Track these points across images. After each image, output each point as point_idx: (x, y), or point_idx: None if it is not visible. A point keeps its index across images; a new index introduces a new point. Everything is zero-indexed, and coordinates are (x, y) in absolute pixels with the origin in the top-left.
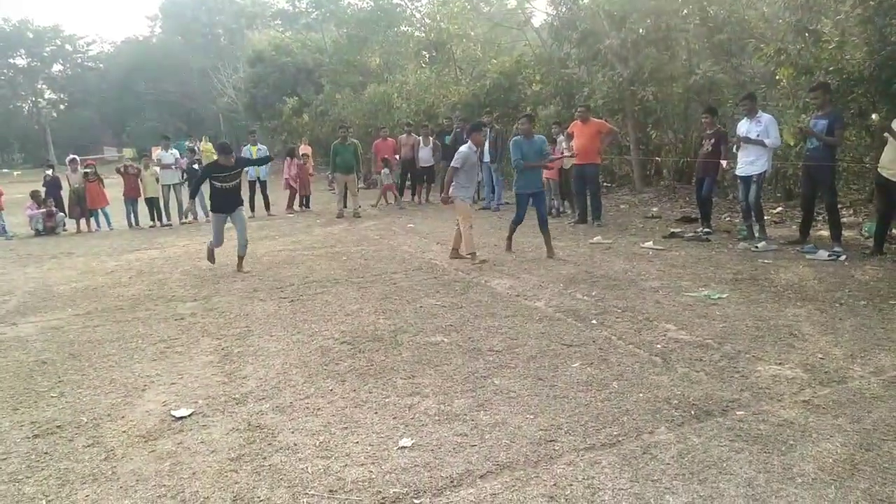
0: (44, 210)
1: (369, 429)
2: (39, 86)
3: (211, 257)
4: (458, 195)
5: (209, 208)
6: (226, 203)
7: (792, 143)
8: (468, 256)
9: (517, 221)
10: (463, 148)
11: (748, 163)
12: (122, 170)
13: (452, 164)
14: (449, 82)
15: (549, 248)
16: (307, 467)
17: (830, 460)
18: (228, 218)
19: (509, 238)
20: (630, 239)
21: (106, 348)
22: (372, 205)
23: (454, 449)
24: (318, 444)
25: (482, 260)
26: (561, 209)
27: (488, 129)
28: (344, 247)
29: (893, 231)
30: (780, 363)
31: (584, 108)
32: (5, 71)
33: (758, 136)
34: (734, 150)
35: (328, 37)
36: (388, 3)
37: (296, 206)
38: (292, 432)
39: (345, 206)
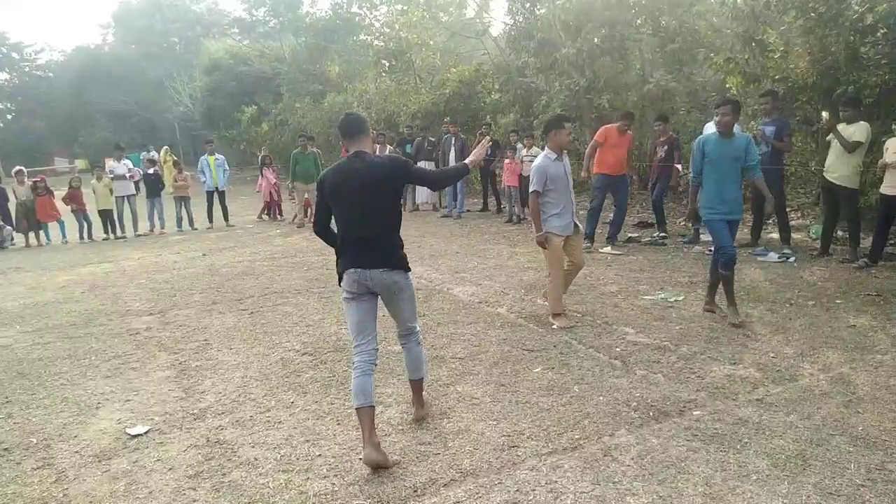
0: None
1: (332, 440)
2: None
3: (365, 433)
4: (546, 228)
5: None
6: (362, 250)
7: None
8: (561, 321)
9: (730, 263)
10: (538, 160)
11: None
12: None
13: (532, 187)
14: (409, 91)
15: (730, 300)
16: (268, 482)
17: (783, 456)
18: (374, 292)
19: (730, 295)
20: (588, 244)
21: (57, 366)
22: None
23: (418, 458)
24: (279, 457)
25: (566, 325)
26: (521, 216)
27: (452, 137)
28: (305, 257)
29: (839, 233)
30: (734, 363)
31: (631, 116)
32: None
33: None
34: None
35: (286, 45)
36: (346, 12)
37: (264, 216)
38: (253, 447)
39: (305, 216)
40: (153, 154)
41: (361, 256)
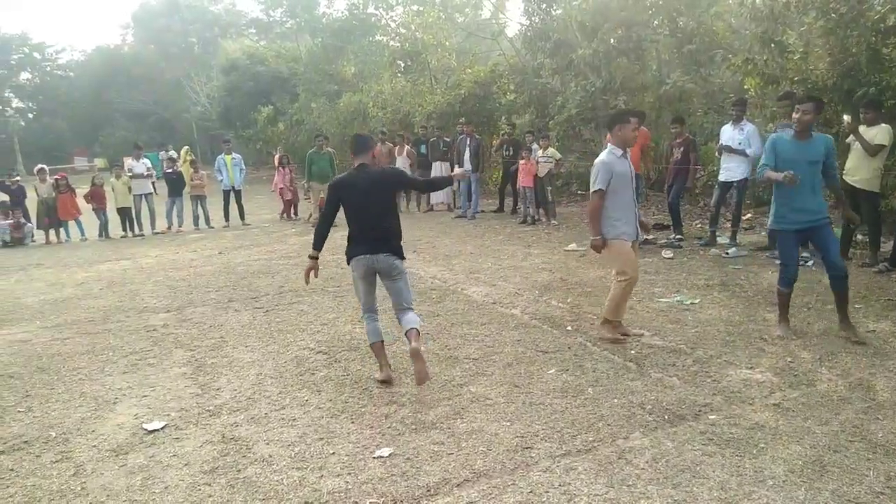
0: (11, 221)
1: (345, 439)
2: (6, 94)
3: (381, 360)
4: (613, 233)
5: (347, 251)
6: (371, 242)
7: None
8: (609, 330)
9: (787, 281)
10: (602, 156)
11: (730, 169)
12: (95, 181)
13: (596, 185)
14: (424, 91)
15: (842, 318)
16: (282, 479)
17: (800, 462)
18: (375, 272)
19: (783, 310)
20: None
21: (75, 361)
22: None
23: (431, 457)
24: (293, 455)
25: (612, 338)
26: (536, 217)
27: (467, 138)
28: (320, 256)
29: (858, 237)
30: (750, 367)
31: (642, 114)
32: None
33: (739, 144)
34: (717, 154)
35: (303, 46)
36: (362, 12)
37: (291, 214)
38: (267, 444)
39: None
40: (172, 153)
41: (369, 245)
